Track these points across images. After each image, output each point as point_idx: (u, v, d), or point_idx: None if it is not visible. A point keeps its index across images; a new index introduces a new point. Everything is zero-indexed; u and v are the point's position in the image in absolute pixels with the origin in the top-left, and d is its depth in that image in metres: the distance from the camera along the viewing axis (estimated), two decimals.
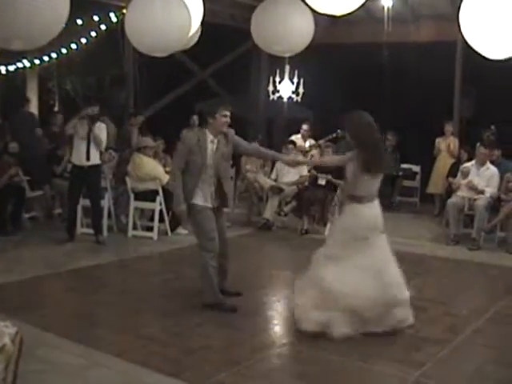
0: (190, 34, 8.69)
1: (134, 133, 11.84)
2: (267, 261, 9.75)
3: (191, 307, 6.98)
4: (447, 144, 13.56)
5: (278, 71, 14.73)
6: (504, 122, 13.82)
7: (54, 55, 14.53)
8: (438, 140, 13.62)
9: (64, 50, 14.38)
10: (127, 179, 10.70)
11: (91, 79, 18.81)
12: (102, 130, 9.93)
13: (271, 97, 15.11)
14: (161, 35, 8.16)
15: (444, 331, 6.50)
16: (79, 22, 13.54)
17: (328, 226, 11.33)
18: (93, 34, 13.97)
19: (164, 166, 11.32)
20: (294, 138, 13.58)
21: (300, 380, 5.19)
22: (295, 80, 14.86)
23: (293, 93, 15.02)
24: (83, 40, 14.10)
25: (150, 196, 10.58)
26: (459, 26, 6.90)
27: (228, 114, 7.08)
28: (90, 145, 9.79)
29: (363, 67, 15.52)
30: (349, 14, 8.41)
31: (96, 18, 13.74)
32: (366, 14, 13.28)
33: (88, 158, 9.81)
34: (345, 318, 6.12)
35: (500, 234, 10.82)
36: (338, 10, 8.24)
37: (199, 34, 9.88)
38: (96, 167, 9.99)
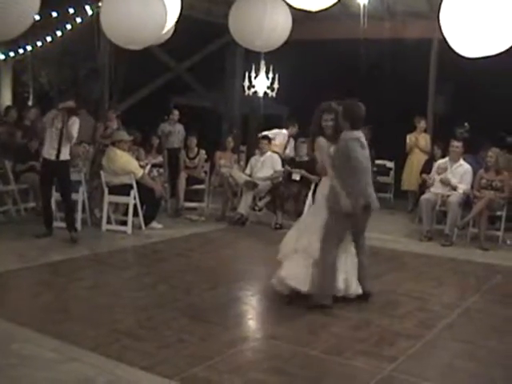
0: (167, 27, 8.63)
1: (109, 126, 11.77)
2: (241, 255, 9.75)
3: (165, 301, 6.97)
4: (420, 140, 13.60)
5: (253, 66, 14.74)
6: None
7: (28, 48, 14.43)
8: (409, 136, 13.67)
9: (39, 43, 14.28)
10: (101, 173, 10.65)
11: (66, 72, 18.72)
12: (73, 124, 9.69)
13: (247, 92, 15.12)
14: (136, 28, 8.09)
15: (417, 326, 6.54)
16: (54, 14, 13.43)
17: None
18: (68, 26, 13.87)
19: (137, 159, 11.28)
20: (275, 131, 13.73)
21: (274, 375, 5.19)
22: (270, 75, 14.87)
23: (268, 88, 15.04)
24: (58, 33, 14.01)
25: (124, 190, 10.53)
26: (439, 23, 6.92)
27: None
28: (61, 140, 9.62)
29: (339, 64, 15.58)
30: (325, 9, 8.41)
31: (71, 11, 13.64)
32: (342, 11, 13.28)
33: (58, 155, 9.63)
34: None
35: (472, 230, 10.90)
36: (314, 6, 8.24)
37: (173, 28, 9.83)
38: (65, 162, 9.80)
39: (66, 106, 9.71)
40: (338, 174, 6.80)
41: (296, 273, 6.90)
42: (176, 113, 14.30)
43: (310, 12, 8.53)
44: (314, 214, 7.18)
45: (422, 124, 13.64)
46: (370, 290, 7.18)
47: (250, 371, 5.27)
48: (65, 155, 9.73)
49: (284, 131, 13.95)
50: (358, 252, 7.14)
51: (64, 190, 9.93)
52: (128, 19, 8.11)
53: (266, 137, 12.69)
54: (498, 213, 10.96)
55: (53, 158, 9.64)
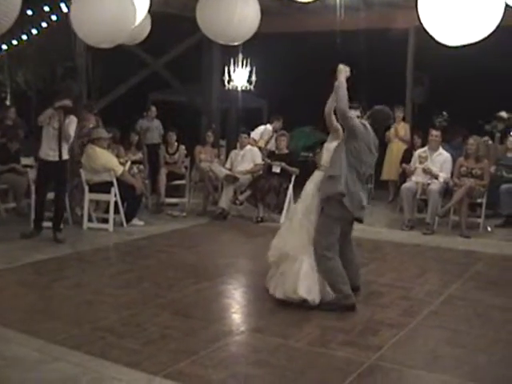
0: (136, 24, 8.55)
1: (85, 126, 11.66)
2: (223, 249, 9.74)
3: (148, 298, 6.95)
4: (399, 129, 13.66)
5: (232, 60, 14.72)
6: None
7: (4, 47, 14.32)
8: None
9: (15, 42, 14.17)
10: (81, 171, 10.59)
11: (43, 71, 18.59)
12: (71, 123, 9.55)
13: (227, 86, 15.10)
14: (105, 26, 7.99)
15: (400, 315, 6.56)
16: (30, 12, 13.33)
17: (283, 214, 11.37)
18: (44, 25, 13.77)
19: (117, 156, 11.23)
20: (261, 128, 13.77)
21: (259, 368, 5.19)
22: (248, 69, 14.86)
23: (246, 82, 15.04)
24: (34, 31, 13.91)
25: (104, 188, 10.48)
26: (415, 13, 6.92)
27: None
28: (61, 139, 9.46)
29: (316, 56, 15.54)
30: (312, 2, 8.43)
31: (47, 9, 13.54)
32: (318, 3, 13.27)
33: (60, 155, 9.49)
34: None
35: (453, 217, 10.96)
36: None
37: (149, 26, 9.76)
38: (65, 162, 9.69)
39: (63, 105, 9.57)
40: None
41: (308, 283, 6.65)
42: (153, 109, 14.31)
43: (302, 3, 8.51)
44: (305, 212, 6.89)
45: (399, 113, 13.68)
46: (359, 284, 7.18)
47: (235, 365, 5.27)
48: (65, 155, 9.63)
49: (269, 127, 13.93)
50: (347, 249, 7.04)
51: (60, 190, 9.80)
52: (96, 17, 8.01)
53: (245, 131, 12.68)
54: (479, 200, 11.02)
55: (53, 158, 9.50)
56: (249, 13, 8.68)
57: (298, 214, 6.89)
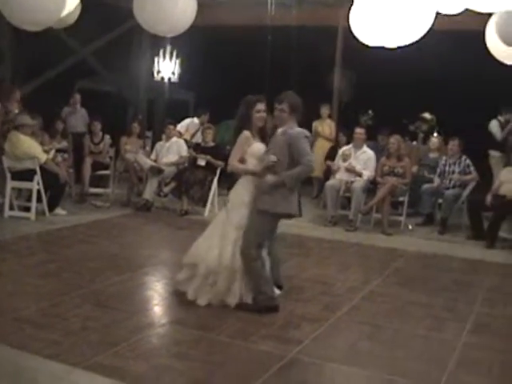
0: (68, 8, 8.39)
1: (11, 111, 11.41)
2: (146, 241, 9.66)
3: (69, 288, 6.85)
4: (324, 127, 13.78)
5: (161, 51, 14.64)
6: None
7: None
8: (314, 123, 13.79)
9: None
10: (3, 158, 10.37)
11: None
12: None
13: (156, 77, 15.03)
14: (33, 8, 7.81)
15: (321, 310, 6.64)
16: None
17: (208, 207, 11.38)
18: None
19: (41, 143, 11.04)
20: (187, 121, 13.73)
21: (179, 360, 5.18)
22: (176, 61, 14.83)
23: (172, 73, 15.00)
24: None
25: (27, 175, 10.29)
26: (344, 12, 7.03)
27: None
28: None
29: (245, 49, 15.55)
30: None
31: None
32: None
33: None
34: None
35: (376, 215, 11.14)
36: None
37: (79, 11, 9.61)
38: None
39: None
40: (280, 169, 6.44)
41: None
42: (78, 96, 14.08)
43: None
44: (233, 219, 6.61)
45: (324, 110, 13.82)
46: (282, 283, 7.11)
47: (156, 357, 5.24)
48: None
49: (195, 120, 13.90)
50: (273, 246, 6.88)
51: None
52: None
53: (171, 123, 12.63)
54: (401, 198, 11.25)
55: None
56: (189, 4, 8.64)
57: (232, 224, 6.57)
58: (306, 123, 13.32)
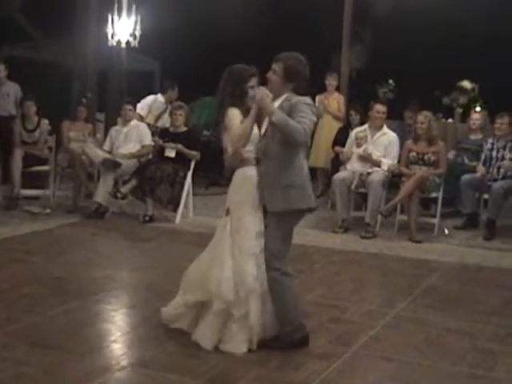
0: None
1: None
2: (99, 258, 9.65)
3: None
4: (331, 102, 13.77)
5: (115, 6, 14.59)
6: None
7: None
8: (318, 97, 13.74)
9: None
10: None
11: None
12: None
13: (109, 41, 14.93)
14: None
15: (332, 342, 6.62)
16: None
17: (180, 211, 11.36)
18: None
19: None
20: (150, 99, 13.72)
21: None
22: (134, 19, 14.77)
23: (131, 36, 14.90)
24: None
25: None
26: None
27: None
28: None
29: (231, 2, 15.55)
30: None
31: None
32: None
33: None
34: None
35: (400, 217, 11.12)
36: None
37: None
38: None
39: None
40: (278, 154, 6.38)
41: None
42: (2, 68, 13.91)
43: None
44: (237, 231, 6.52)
45: (332, 81, 13.78)
46: None
47: None
48: None
49: (160, 98, 13.85)
50: None
51: None
52: None
53: (130, 101, 12.59)
54: (433, 194, 11.23)
55: None
56: None
57: (245, 232, 6.47)
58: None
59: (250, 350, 6.26)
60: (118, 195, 11.85)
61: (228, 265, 6.40)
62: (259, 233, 6.44)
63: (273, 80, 6.49)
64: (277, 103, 6.45)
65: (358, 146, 11.46)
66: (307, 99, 6.46)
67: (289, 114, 6.24)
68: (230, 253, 6.44)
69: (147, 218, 11.47)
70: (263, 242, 6.39)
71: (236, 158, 6.58)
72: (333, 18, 14.71)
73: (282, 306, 6.44)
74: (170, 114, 12.67)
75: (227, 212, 6.59)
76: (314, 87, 13.41)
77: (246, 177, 6.55)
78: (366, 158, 11.25)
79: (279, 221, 6.36)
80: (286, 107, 6.31)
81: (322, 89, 13.83)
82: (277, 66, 6.48)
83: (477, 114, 12.69)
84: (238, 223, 6.48)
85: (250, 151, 6.57)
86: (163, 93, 13.92)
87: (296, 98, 6.42)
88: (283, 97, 6.47)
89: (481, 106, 13.34)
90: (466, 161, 11.92)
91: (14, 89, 13.92)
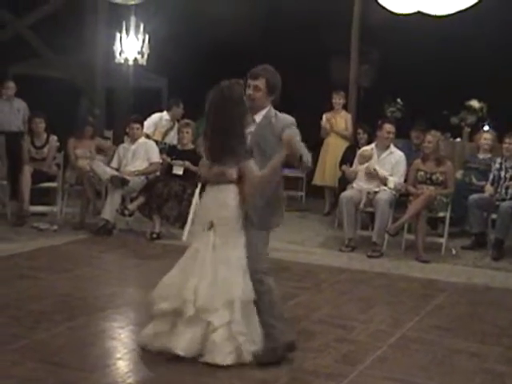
0: None
1: None
2: (106, 275, 9.65)
3: (3, 339, 6.80)
4: (338, 121, 13.76)
5: (123, 25, 14.64)
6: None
7: None
8: (325, 116, 13.76)
9: None
10: None
11: None
12: None
13: (117, 59, 14.99)
14: None
15: (338, 361, 6.60)
16: None
17: (187, 228, 11.34)
18: None
19: None
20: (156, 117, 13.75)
21: None
22: (142, 37, 14.82)
23: (139, 54, 14.97)
24: None
25: None
26: None
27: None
28: None
29: (235, 21, 15.56)
30: None
31: None
32: None
33: None
34: None
35: (408, 236, 11.11)
36: None
37: None
38: None
39: None
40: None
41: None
42: (11, 85, 13.95)
43: None
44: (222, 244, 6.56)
45: (338, 100, 13.78)
46: None
47: None
48: None
49: (165, 115, 13.91)
50: None
51: None
52: None
53: (137, 120, 12.59)
54: (441, 214, 11.21)
55: None
56: None
57: (211, 246, 6.53)
58: (316, 116, 13.41)
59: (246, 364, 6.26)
60: (126, 212, 11.86)
61: (207, 276, 6.40)
62: (245, 244, 6.50)
63: (257, 97, 6.54)
64: (258, 118, 6.53)
65: (362, 164, 11.43)
66: (293, 119, 6.64)
67: (281, 131, 6.39)
68: (212, 265, 6.44)
69: (154, 235, 11.48)
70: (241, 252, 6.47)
71: None
72: (340, 39, 14.74)
73: (270, 309, 6.47)
74: (178, 132, 12.69)
75: (210, 225, 6.59)
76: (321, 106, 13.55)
77: (233, 192, 6.63)
78: (371, 175, 11.22)
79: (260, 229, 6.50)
80: (272, 122, 6.52)
81: (329, 107, 13.83)
82: (259, 83, 6.55)
83: (485, 133, 12.65)
84: (225, 236, 6.52)
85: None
86: (168, 110, 13.99)
87: (282, 116, 6.61)
88: (264, 111, 6.56)
89: (489, 126, 13.32)
90: (474, 180, 11.90)
91: (22, 106, 13.97)
